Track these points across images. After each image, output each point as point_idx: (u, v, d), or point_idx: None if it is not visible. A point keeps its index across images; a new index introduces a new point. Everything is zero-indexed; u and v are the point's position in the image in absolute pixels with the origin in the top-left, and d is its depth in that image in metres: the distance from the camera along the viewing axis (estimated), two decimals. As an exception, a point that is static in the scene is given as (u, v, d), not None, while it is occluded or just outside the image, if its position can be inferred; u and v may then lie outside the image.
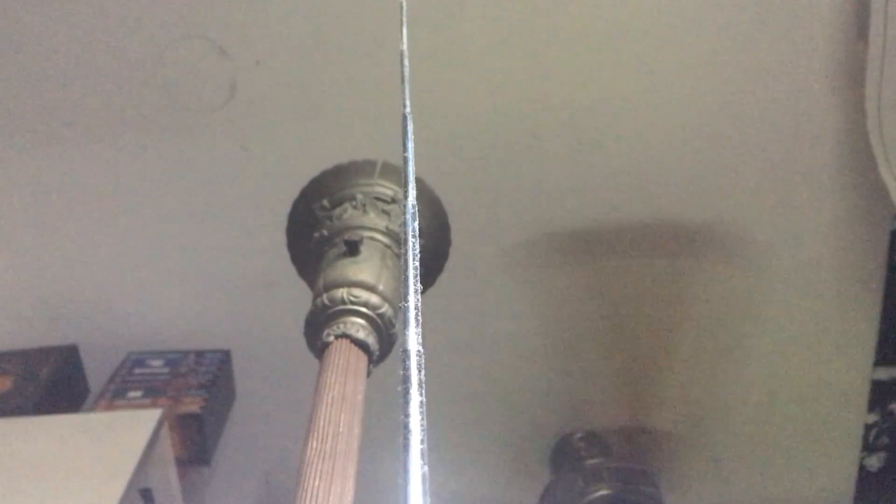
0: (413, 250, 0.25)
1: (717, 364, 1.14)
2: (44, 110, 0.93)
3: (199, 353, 1.03)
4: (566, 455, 1.12)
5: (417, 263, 0.25)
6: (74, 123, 0.94)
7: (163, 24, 0.90)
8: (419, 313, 0.22)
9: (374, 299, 0.53)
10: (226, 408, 1.04)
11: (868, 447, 1.17)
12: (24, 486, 0.72)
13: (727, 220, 1.04)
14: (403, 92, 0.37)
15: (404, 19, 0.45)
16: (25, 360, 0.98)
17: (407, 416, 0.19)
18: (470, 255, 1.03)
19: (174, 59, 0.91)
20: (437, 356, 1.07)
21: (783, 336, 1.12)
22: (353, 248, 0.58)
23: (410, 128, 0.33)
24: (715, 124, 0.99)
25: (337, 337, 0.51)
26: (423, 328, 0.22)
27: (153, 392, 0.95)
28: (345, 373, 0.46)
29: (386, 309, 0.53)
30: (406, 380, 0.20)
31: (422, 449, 0.18)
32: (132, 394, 0.94)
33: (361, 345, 0.51)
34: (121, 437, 0.79)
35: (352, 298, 0.53)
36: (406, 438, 0.18)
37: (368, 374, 0.50)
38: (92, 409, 0.92)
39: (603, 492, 0.98)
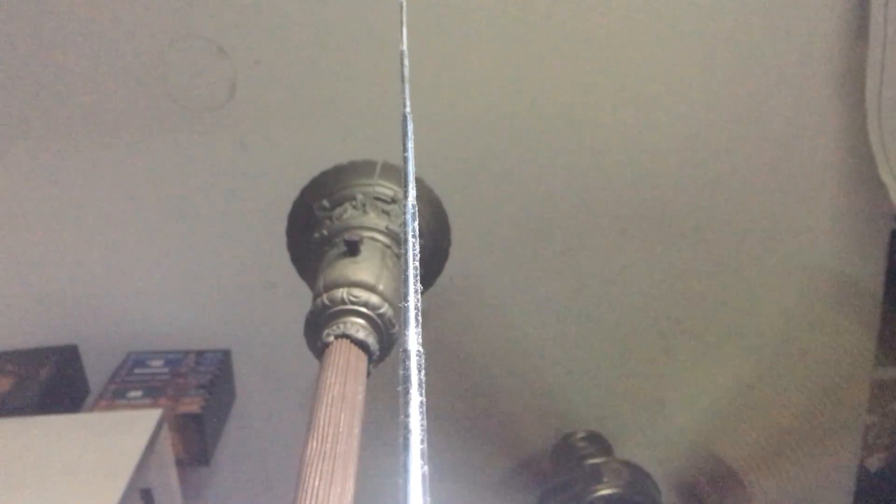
0: (413, 250, 0.25)
1: (718, 364, 1.14)
2: (43, 110, 0.93)
3: (199, 353, 1.03)
4: (566, 455, 1.12)
5: (417, 263, 0.25)
6: (74, 123, 0.94)
7: (163, 24, 0.90)
8: (419, 313, 0.22)
9: (374, 299, 0.53)
10: (226, 408, 1.04)
11: (868, 447, 1.17)
12: (24, 486, 0.72)
13: (727, 220, 1.04)
14: (403, 92, 0.37)
15: (404, 19, 0.45)
16: (25, 360, 0.98)
17: (407, 416, 0.19)
18: (470, 255, 1.03)
19: (174, 59, 0.91)
20: (437, 356, 1.07)
21: (783, 336, 1.12)
22: (353, 248, 0.58)
23: (410, 128, 0.33)
24: (715, 124, 0.99)
25: (337, 337, 0.51)
26: (423, 328, 0.22)
27: (153, 392, 0.95)
28: (345, 373, 0.46)
29: (386, 309, 0.53)
30: (406, 380, 0.20)
31: (422, 449, 0.18)
32: (132, 394, 0.94)
33: (361, 345, 0.51)
34: (121, 437, 0.79)
35: (352, 298, 0.53)
36: (406, 438, 0.18)
37: (368, 374, 0.50)
38: (92, 409, 0.92)
39: (603, 492, 0.98)
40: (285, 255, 0.72)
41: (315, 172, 0.71)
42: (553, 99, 0.97)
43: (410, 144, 0.31)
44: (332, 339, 0.50)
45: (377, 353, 0.53)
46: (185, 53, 0.91)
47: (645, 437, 1.18)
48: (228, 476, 1.11)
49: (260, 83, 0.93)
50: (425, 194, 0.72)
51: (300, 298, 0.61)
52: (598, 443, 1.13)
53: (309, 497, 0.35)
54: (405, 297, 0.23)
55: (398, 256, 0.61)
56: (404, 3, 0.46)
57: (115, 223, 0.99)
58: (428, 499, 0.17)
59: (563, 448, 1.14)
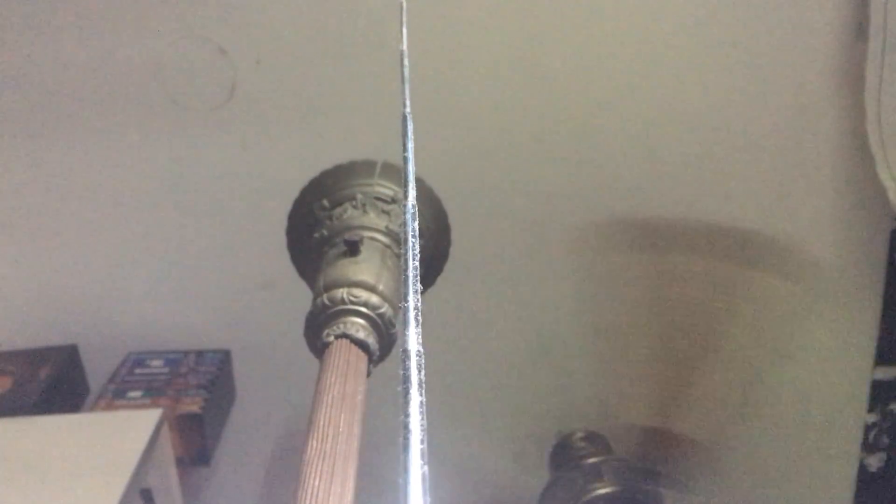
0: (413, 250, 0.25)
1: (717, 364, 1.14)
2: (44, 110, 0.93)
3: (199, 353, 1.03)
4: (566, 454, 1.12)
5: (417, 263, 0.25)
6: (75, 123, 0.94)
7: (163, 24, 0.90)
8: (419, 313, 0.22)
9: (374, 299, 0.53)
10: (226, 408, 1.04)
11: (868, 447, 1.17)
12: (24, 486, 0.72)
13: (727, 221, 1.04)
14: (403, 92, 0.37)
15: (404, 19, 0.45)
16: (25, 360, 0.98)
17: (407, 416, 0.19)
18: (470, 255, 1.03)
19: (174, 59, 0.91)
20: (437, 356, 1.06)
21: (783, 336, 1.12)
22: (353, 248, 0.58)
23: (410, 128, 0.33)
24: (715, 124, 0.99)
25: (337, 337, 0.51)
26: (423, 328, 0.22)
27: (153, 392, 0.95)
28: (345, 373, 0.46)
29: (386, 309, 0.53)
30: (406, 380, 0.20)
31: (422, 449, 0.18)
32: (132, 394, 0.94)
33: (361, 345, 0.51)
34: (121, 437, 0.79)
35: (352, 298, 0.53)
36: (406, 438, 0.18)
37: (368, 374, 0.50)
38: (92, 409, 0.92)
39: (603, 490, 0.98)
40: (285, 255, 0.72)
41: (315, 172, 0.71)
42: (553, 99, 0.97)
43: (410, 144, 0.31)
44: (332, 339, 0.50)
45: (377, 353, 0.53)
46: (185, 53, 0.91)
47: (645, 436, 1.18)
48: (228, 476, 1.11)
49: (260, 83, 0.93)
50: (425, 194, 0.72)
51: (300, 298, 0.61)
52: (598, 442, 1.13)
53: (309, 497, 0.35)
54: (405, 297, 0.23)
55: (398, 256, 0.61)
56: (404, 3, 0.46)
57: (115, 223, 0.99)
58: (428, 499, 0.17)
59: (562, 447, 1.14)
